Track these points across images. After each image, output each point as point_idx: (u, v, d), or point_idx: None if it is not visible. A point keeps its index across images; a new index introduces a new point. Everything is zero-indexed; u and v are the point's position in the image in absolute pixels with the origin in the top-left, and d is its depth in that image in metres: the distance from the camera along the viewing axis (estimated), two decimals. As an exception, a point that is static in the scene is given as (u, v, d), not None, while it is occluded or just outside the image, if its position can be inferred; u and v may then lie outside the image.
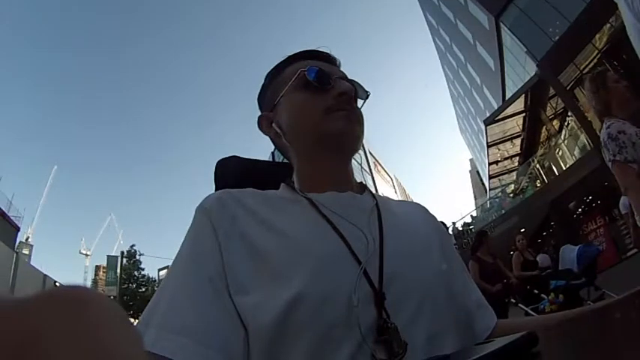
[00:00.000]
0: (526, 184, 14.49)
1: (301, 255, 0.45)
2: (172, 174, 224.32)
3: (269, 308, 0.41)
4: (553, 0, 11.18)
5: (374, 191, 0.63)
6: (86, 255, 66.52)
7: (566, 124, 13.22)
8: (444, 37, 24.17)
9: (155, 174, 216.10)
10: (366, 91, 0.63)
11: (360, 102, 0.62)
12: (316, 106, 0.56)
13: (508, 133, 15.30)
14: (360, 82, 0.62)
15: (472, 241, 4.99)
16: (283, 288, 0.42)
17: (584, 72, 10.31)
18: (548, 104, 13.59)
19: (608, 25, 9.17)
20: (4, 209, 16.18)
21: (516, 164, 16.44)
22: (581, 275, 4.47)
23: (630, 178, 1.61)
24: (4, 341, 0.13)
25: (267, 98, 0.63)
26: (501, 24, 13.53)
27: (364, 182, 0.64)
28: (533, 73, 12.05)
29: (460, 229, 19.39)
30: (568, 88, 10.90)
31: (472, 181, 51.50)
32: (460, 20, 18.75)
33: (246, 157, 0.73)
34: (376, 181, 24.08)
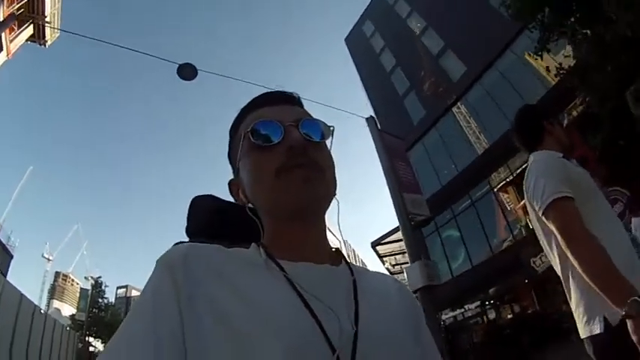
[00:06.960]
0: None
1: (270, 332, 0.41)
2: (145, 200, 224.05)
3: None
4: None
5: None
6: (48, 259, 66.55)
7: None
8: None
9: (129, 197, 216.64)
10: (329, 127, 0.56)
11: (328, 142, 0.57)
12: (266, 169, 0.51)
13: (396, 250, 19.64)
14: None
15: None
16: None
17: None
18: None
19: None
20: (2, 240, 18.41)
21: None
22: None
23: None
24: None
25: (232, 162, 0.60)
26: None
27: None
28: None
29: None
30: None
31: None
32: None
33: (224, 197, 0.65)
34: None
